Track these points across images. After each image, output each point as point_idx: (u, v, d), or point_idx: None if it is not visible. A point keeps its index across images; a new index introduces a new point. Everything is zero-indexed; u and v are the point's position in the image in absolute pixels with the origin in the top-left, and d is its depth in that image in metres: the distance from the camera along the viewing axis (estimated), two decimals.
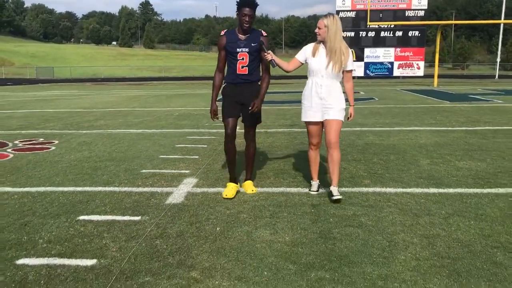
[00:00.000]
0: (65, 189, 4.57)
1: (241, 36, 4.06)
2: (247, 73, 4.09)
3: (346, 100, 4.07)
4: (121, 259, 2.90)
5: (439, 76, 39.25)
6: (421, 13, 36.02)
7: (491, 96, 16.35)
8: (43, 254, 2.99)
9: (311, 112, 4.06)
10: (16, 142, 7.43)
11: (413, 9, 36.01)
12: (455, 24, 72.75)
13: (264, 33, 4.11)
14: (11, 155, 6.31)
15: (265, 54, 3.96)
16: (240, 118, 4.26)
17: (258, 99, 4.09)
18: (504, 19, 46.06)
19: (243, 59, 4.05)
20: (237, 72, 4.09)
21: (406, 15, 35.64)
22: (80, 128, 9.03)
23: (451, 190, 4.35)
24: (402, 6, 35.83)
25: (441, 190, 4.35)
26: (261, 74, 4.21)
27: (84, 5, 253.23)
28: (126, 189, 4.53)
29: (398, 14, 35.52)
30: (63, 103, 15.38)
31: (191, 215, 3.71)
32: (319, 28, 3.93)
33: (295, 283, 2.56)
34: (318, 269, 2.73)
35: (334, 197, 3.93)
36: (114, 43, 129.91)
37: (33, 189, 4.56)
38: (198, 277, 2.64)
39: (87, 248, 3.08)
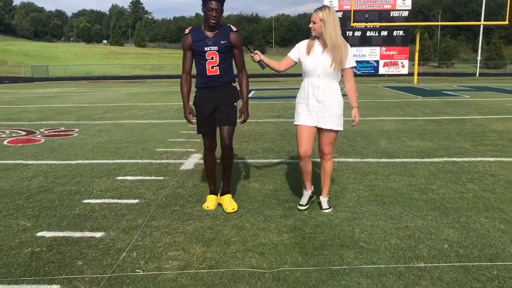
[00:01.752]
0: (99, 161, 5.84)
1: (208, 33, 3.65)
2: (218, 73, 3.69)
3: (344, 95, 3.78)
4: (156, 199, 4.19)
5: (425, 74, 40.84)
6: (405, 13, 37.39)
7: (462, 92, 17.84)
8: (99, 197, 4.28)
9: (306, 116, 3.70)
10: (42, 130, 8.66)
11: (398, 10, 37.36)
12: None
13: (234, 28, 3.73)
14: (43, 140, 7.55)
15: (252, 55, 3.70)
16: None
17: (243, 106, 3.83)
18: (487, 19, 48.06)
19: (212, 58, 3.65)
20: (208, 74, 3.69)
21: (391, 15, 37.08)
22: (93, 119, 10.27)
23: (397, 160, 5.70)
24: (387, 6, 37.20)
25: (390, 160, 5.69)
26: (235, 73, 3.87)
27: (73, 3, 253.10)
28: (147, 161, 5.82)
29: (383, 15, 36.95)
30: (67, 99, 16.55)
31: (200, 176, 5.01)
32: (314, 23, 3.54)
33: (274, 208, 3.88)
34: (291, 202, 4.05)
35: (323, 210, 3.79)
36: (105, 41, 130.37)
37: (73, 162, 5.83)
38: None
39: (130, 194, 4.37)
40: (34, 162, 5.83)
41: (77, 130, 8.63)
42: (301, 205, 3.86)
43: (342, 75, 3.73)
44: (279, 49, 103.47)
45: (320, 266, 2.79)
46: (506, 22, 22.36)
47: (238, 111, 3.89)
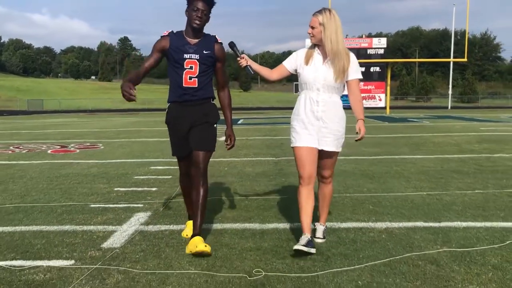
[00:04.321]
0: (132, 160, 7.88)
1: (191, 40, 3.29)
2: (196, 86, 3.30)
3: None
4: None
5: (402, 108, 43.74)
6: (381, 51, 40.34)
7: (425, 119, 20.38)
8: (144, 175, 6.31)
9: (305, 136, 3.24)
10: (72, 145, 10.65)
11: (374, 48, 40.41)
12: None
13: (219, 39, 3.37)
14: (78, 150, 9.54)
15: (239, 59, 3.27)
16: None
17: (229, 129, 3.51)
18: (460, 56, 52.13)
19: (191, 68, 3.27)
20: (184, 85, 3.29)
21: (368, 53, 40.19)
22: (110, 138, 12.29)
23: (351, 157, 7.84)
24: (364, 45, 40.28)
25: (346, 157, 7.83)
26: (213, 89, 3.44)
27: (61, 40, 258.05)
28: (168, 160, 7.86)
29: (361, 52, 40.03)
30: (77, 126, 18.53)
31: (212, 169, 7.08)
32: (313, 28, 3.12)
33: (263, 178, 5.97)
34: (274, 175, 6.15)
35: (316, 239, 3.40)
36: (93, 77, 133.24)
37: (113, 161, 7.85)
38: (219, 181, 6.02)
39: (164, 174, 6.41)
40: (82, 161, 7.84)
41: (101, 145, 10.64)
42: (302, 245, 3.05)
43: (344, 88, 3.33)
44: (264, 85, 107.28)
45: (289, 195, 4.88)
46: (465, 60, 25.30)
47: (224, 135, 3.56)
